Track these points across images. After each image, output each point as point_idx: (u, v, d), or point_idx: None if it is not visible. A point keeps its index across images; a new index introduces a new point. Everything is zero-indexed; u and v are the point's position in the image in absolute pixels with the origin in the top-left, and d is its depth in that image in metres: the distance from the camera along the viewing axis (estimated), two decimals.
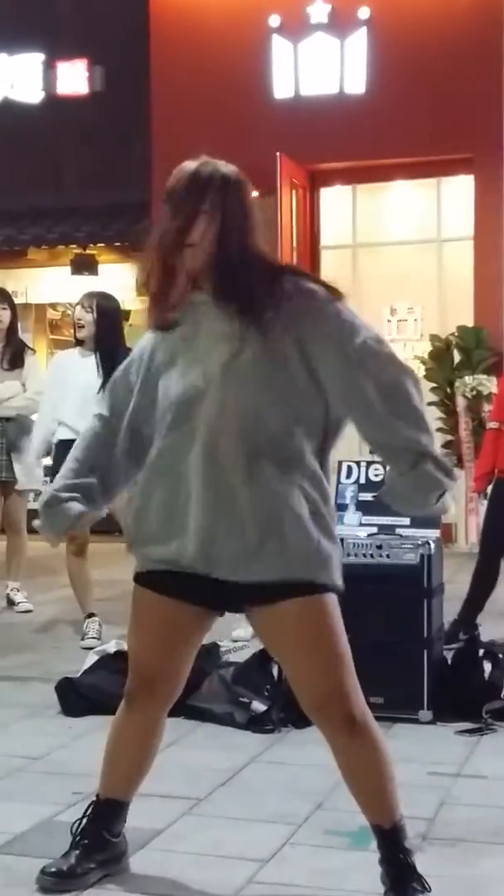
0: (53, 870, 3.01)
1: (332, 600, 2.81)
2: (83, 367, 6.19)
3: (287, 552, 2.73)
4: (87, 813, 3.09)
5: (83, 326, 6.23)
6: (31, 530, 7.45)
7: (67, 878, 2.99)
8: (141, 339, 3.01)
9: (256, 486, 2.73)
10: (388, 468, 2.91)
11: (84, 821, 3.08)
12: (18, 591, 7.31)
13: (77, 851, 3.04)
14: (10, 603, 7.25)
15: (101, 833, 3.06)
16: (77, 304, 6.39)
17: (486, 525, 6.23)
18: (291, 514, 2.73)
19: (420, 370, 10.82)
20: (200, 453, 2.76)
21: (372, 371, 2.74)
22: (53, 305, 13.31)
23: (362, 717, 2.81)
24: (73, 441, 6.23)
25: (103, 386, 6.07)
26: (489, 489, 6.22)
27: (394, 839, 2.86)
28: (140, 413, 2.94)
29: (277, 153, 10.23)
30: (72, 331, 6.64)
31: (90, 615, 6.21)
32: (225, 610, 2.97)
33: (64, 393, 6.20)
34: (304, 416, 2.77)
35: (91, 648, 5.43)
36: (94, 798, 3.10)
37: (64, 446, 6.22)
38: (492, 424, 6.38)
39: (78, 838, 3.07)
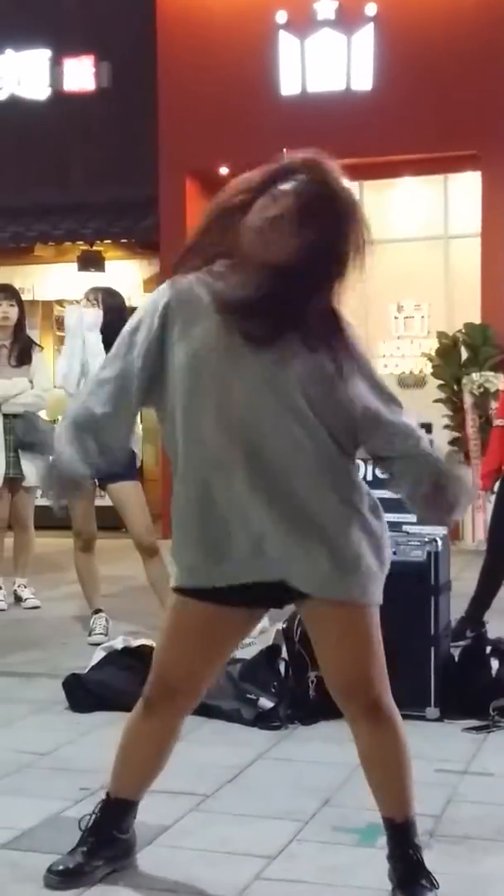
0: (60, 868, 3.01)
1: (376, 611, 2.86)
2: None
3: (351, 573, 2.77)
4: (97, 811, 3.09)
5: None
6: (39, 527, 7.51)
7: (74, 876, 3.00)
8: (155, 298, 2.87)
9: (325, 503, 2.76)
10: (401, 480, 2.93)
11: (93, 819, 3.09)
12: (26, 587, 7.32)
13: (84, 849, 3.05)
14: (18, 599, 7.27)
15: (110, 831, 3.07)
16: (83, 297, 6.39)
17: (494, 523, 6.23)
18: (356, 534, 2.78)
19: (427, 367, 10.83)
20: (255, 473, 2.72)
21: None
22: (60, 302, 13.30)
23: (387, 708, 2.87)
24: None
25: None
26: (496, 486, 6.21)
27: (404, 834, 2.88)
28: (141, 381, 2.84)
29: (284, 150, 10.18)
30: None
31: (97, 611, 6.22)
32: (272, 606, 2.98)
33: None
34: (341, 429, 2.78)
35: (98, 644, 5.43)
36: (105, 796, 3.10)
37: None
38: (498, 422, 6.37)
39: (86, 836, 3.07)
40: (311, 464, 2.73)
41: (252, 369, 2.70)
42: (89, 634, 6.12)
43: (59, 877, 3.00)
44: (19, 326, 7.27)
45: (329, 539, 2.75)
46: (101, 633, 6.04)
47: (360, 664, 2.84)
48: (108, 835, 3.07)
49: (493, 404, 9.12)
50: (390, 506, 4.96)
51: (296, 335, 2.70)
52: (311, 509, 2.74)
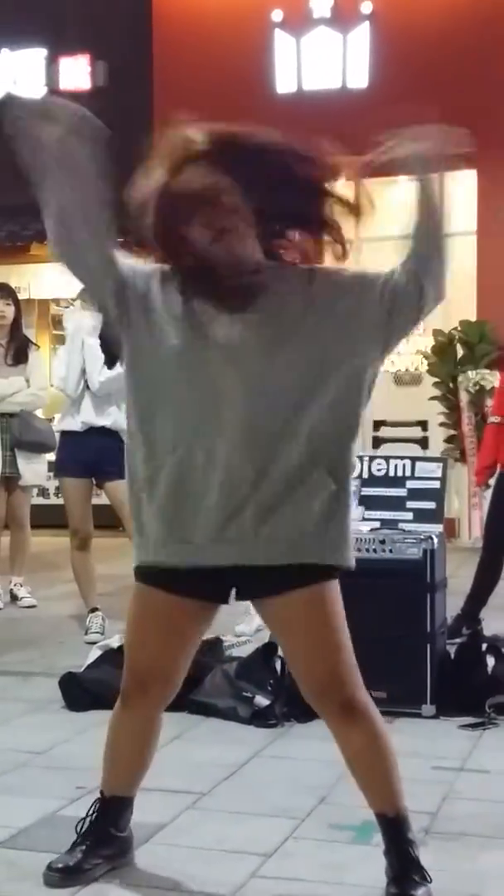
0: (60, 865, 3.02)
1: (336, 589, 2.83)
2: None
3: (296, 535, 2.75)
4: (93, 811, 3.10)
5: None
6: (35, 526, 7.51)
7: (74, 874, 3.00)
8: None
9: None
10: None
11: (89, 818, 3.09)
12: (22, 586, 7.32)
13: (83, 847, 3.05)
14: (14, 598, 7.27)
15: (107, 829, 3.08)
16: (78, 297, 6.37)
17: (490, 520, 6.23)
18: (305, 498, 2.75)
19: (423, 365, 10.83)
20: (229, 440, 2.72)
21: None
22: (56, 301, 13.29)
23: (362, 705, 2.85)
24: (79, 433, 6.26)
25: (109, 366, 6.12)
26: (492, 483, 6.22)
27: (397, 829, 2.88)
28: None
29: None
30: None
31: (93, 610, 6.22)
32: (230, 600, 2.95)
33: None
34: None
35: (94, 643, 5.44)
36: (99, 795, 3.11)
37: (71, 438, 6.24)
38: (493, 419, 6.37)
39: (84, 835, 3.07)
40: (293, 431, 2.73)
41: (234, 339, 2.72)
42: (86, 633, 6.11)
43: (59, 874, 3.00)
44: (16, 325, 7.26)
45: (295, 505, 2.74)
46: (97, 632, 6.04)
47: (330, 660, 2.82)
48: (106, 833, 3.07)
49: (489, 401, 9.14)
50: (387, 504, 5.01)
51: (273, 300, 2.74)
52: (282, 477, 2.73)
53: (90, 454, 6.11)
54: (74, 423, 6.17)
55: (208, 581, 2.83)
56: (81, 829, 3.09)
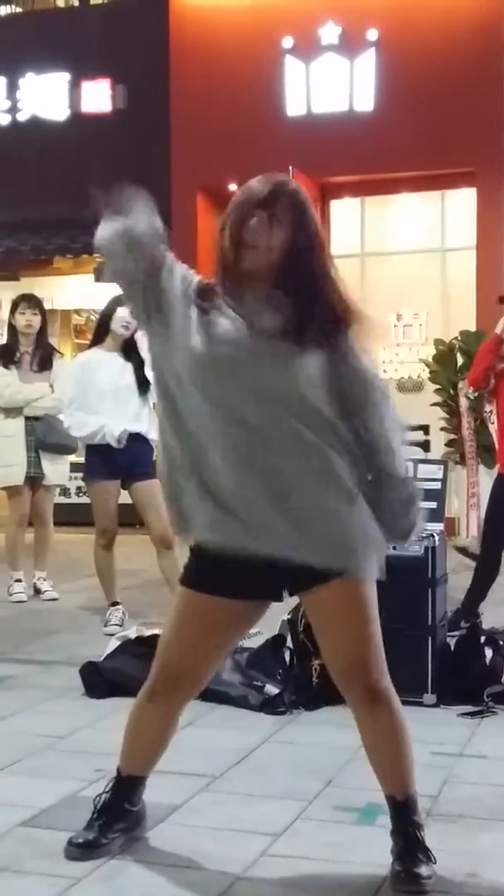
0: (80, 841, 3.04)
1: (372, 589, 2.86)
2: (114, 366, 6.19)
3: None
4: (109, 788, 3.11)
5: (127, 327, 6.15)
6: (57, 523, 7.51)
7: (94, 848, 3.02)
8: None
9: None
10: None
11: (106, 795, 3.10)
12: (45, 580, 7.32)
13: (100, 822, 3.07)
14: (37, 591, 7.26)
15: (122, 805, 3.09)
16: (117, 306, 6.20)
17: (488, 518, 6.21)
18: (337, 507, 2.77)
19: (424, 373, 10.82)
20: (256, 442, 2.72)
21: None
22: (78, 311, 13.32)
23: (386, 691, 2.88)
24: (106, 445, 6.20)
25: (140, 387, 6.11)
26: (493, 483, 6.18)
27: (405, 811, 2.89)
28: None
29: (290, 167, 10.21)
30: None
31: (115, 603, 6.21)
32: (275, 599, 2.95)
33: (98, 394, 6.14)
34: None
35: (113, 634, 5.44)
36: (116, 773, 3.11)
37: (95, 450, 6.21)
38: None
39: (101, 811, 3.09)
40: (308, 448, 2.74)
41: (262, 361, 2.72)
42: (105, 625, 6.11)
43: (80, 849, 3.02)
44: (41, 334, 7.26)
45: (330, 517, 2.75)
46: (116, 625, 6.03)
47: (359, 648, 2.85)
48: (121, 808, 3.09)
49: (488, 407, 9.10)
50: None
51: (299, 331, 2.74)
52: (309, 490, 2.74)
53: (124, 457, 6.10)
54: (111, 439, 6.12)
55: (261, 579, 2.82)
56: (98, 805, 3.10)
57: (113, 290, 13.05)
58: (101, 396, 6.10)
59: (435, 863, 2.85)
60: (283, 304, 2.75)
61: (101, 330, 6.30)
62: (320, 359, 2.75)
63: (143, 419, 6.13)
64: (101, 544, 6.22)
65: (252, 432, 2.72)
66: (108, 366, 6.17)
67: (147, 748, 3.08)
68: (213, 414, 2.73)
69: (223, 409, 2.72)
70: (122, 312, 6.12)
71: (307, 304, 2.75)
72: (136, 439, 6.12)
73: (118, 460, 6.09)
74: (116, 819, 3.08)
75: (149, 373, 6.13)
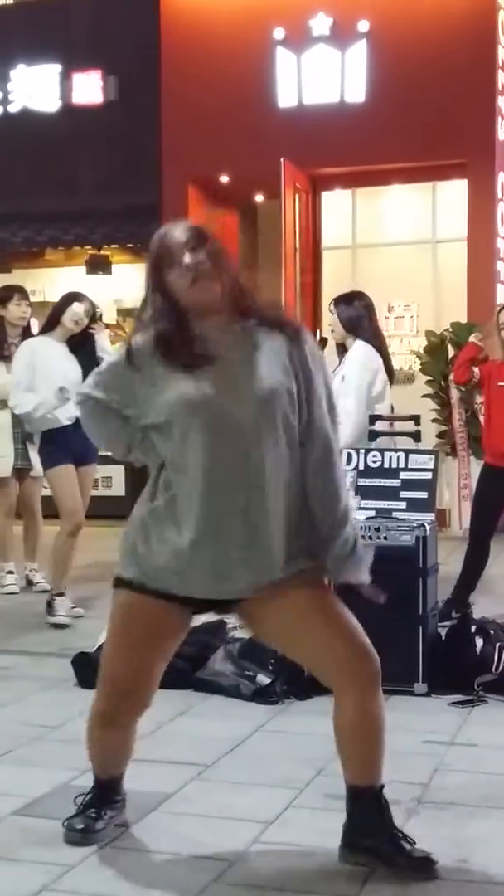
0: (80, 826, 3.08)
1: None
2: (61, 354, 6.27)
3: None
4: (92, 791, 3.15)
5: (77, 323, 6.31)
6: (46, 514, 7.51)
7: (91, 833, 3.07)
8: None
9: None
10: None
11: (90, 796, 3.14)
12: (37, 571, 7.32)
13: (92, 810, 3.11)
14: (30, 583, 7.27)
15: (107, 801, 3.14)
16: (73, 301, 6.36)
17: (475, 509, 6.23)
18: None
19: (416, 364, 10.83)
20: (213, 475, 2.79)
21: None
22: None
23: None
24: (68, 426, 6.28)
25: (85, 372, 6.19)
26: (479, 474, 6.21)
27: (377, 800, 2.91)
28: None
29: (281, 159, 10.19)
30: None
31: (61, 594, 6.23)
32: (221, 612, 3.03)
33: (45, 378, 6.21)
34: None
35: (63, 626, 5.56)
36: (94, 781, 3.14)
37: (50, 439, 6.26)
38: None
39: (89, 805, 3.13)
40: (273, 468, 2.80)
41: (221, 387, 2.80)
42: (52, 615, 6.10)
43: (80, 833, 3.06)
44: (27, 326, 7.28)
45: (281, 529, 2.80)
46: (64, 615, 6.09)
47: (352, 637, 2.86)
48: (107, 801, 3.14)
49: (479, 399, 9.12)
50: (381, 494, 5.01)
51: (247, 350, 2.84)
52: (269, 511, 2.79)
53: (77, 443, 6.17)
54: (63, 418, 6.18)
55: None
56: (85, 800, 3.14)
57: (103, 283, 12.95)
58: (47, 381, 6.17)
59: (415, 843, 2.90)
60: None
61: (52, 319, 6.37)
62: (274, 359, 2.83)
63: None
64: (68, 531, 6.24)
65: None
66: (56, 353, 6.27)
67: (115, 757, 3.12)
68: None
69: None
70: (76, 308, 6.29)
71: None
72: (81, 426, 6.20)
73: (72, 446, 6.15)
74: (105, 808, 3.12)
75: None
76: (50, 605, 6.18)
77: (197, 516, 2.77)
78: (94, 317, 6.44)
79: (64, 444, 6.18)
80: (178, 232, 2.87)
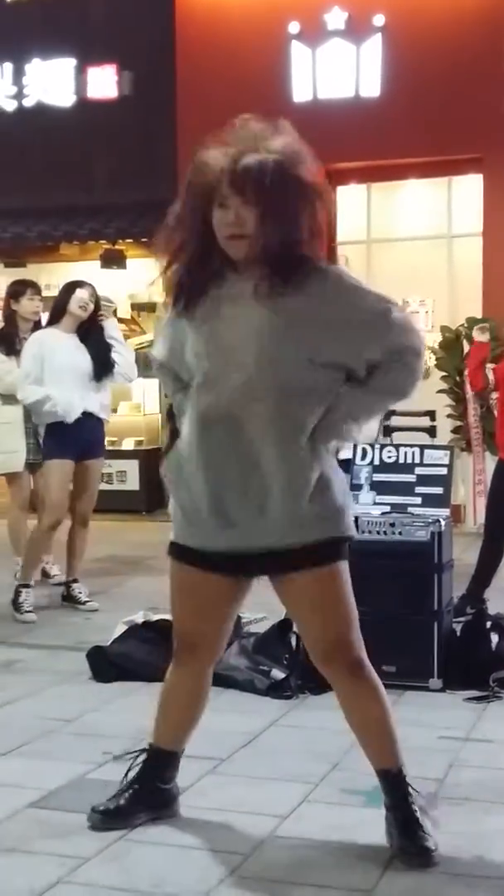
0: (102, 808, 3.09)
1: (344, 565, 2.91)
2: (69, 345, 6.29)
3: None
4: (139, 760, 3.16)
5: (84, 308, 6.35)
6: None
7: (115, 817, 3.08)
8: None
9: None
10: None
11: (135, 767, 3.16)
12: (53, 563, 7.33)
13: (128, 793, 3.13)
14: (46, 575, 7.28)
15: (152, 780, 3.14)
16: (76, 288, 6.42)
17: (490, 505, 6.22)
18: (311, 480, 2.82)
19: (431, 359, 10.80)
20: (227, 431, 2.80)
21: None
22: None
23: (367, 666, 2.95)
24: (64, 425, 6.36)
25: (98, 369, 6.25)
26: (494, 469, 6.19)
27: (401, 783, 2.96)
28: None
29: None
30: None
31: (28, 585, 6.28)
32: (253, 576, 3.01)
33: (53, 371, 6.23)
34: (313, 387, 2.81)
35: (32, 622, 5.77)
36: (147, 746, 3.16)
37: (54, 431, 6.27)
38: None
39: (131, 783, 3.14)
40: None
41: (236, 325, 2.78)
42: (19, 611, 6.12)
43: (101, 815, 3.08)
44: (38, 321, 7.29)
45: (283, 490, 2.80)
46: (29, 611, 6.12)
47: (339, 629, 2.90)
48: (151, 784, 3.14)
49: (494, 395, 9.10)
50: (397, 489, 5.01)
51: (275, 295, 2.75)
52: (266, 467, 2.80)
53: (83, 437, 6.23)
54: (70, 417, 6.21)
55: (230, 560, 2.90)
56: (127, 776, 3.15)
57: (118, 277, 12.98)
58: (56, 374, 6.18)
59: (432, 836, 2.92)
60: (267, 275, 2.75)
61: (57, 310, 6.38)
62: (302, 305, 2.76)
63: (96, 399, 6.30)
64: (48, 524, 6.27)
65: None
66: (65, 345, 6.28)
67: (178, 716, 3.14)
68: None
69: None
70: (81, 293, 6.30)
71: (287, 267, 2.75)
72: (90, 418, 6.28)
73: (77, 440, 6.20)
74: (145, 793, 3.12)
75: (117, 356, 6.40)
76: (16, 598, 6.18)
77: (194, 473, 2.84)
78: (98, 304, 6.46)
79: (68, 439, 6.21)
80: (234, 151, 2.75)
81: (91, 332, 6.33)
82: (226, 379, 2.77)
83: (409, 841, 2.89)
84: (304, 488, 2.80)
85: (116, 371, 6.39)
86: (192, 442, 2.83)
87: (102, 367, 6.28)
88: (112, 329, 6.55)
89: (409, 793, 2.95)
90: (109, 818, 3.08)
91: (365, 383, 2.83)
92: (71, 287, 6.43)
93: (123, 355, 6.45)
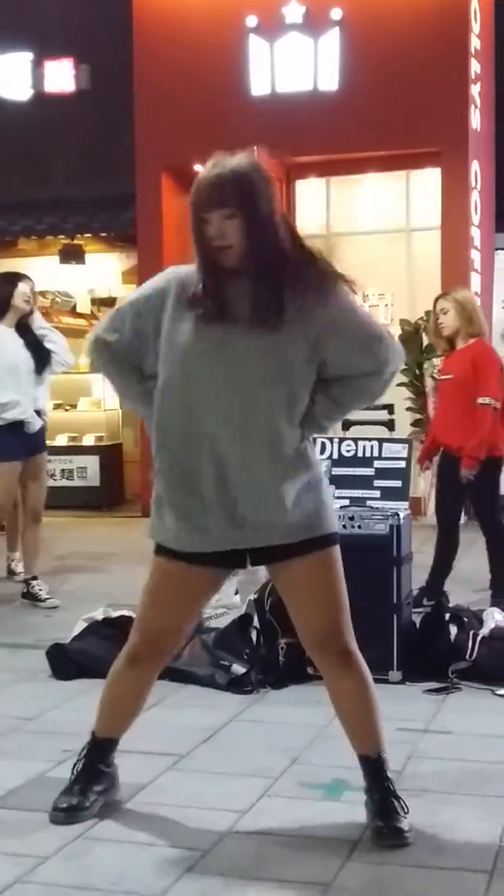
0: (63, 805, 3.14)
1: (336, 553, 3.01)
2: (14, 341, 6.28)
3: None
4: (84, 754, 3.21)
5: (28, 301, 6.39)
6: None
7: (76, 811, 3.13)
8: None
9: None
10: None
11: (82, 760, 3.20)
12: (19, 562, 7.27)
13: (79, 786, 3.17)
14: (11, 573, 7.23)
15: (97, 766, 3.19)
16: (17, 281, 6.41)
17: (438, 501, 6.24)
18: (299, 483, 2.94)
19: None
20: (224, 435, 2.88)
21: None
22: (43, 293, 13.21)
23: (356, 654, 3.05)
24: (19, 424, 6.38)
25: (37, 363, 6.25)
26: (435, 463, 6.23)
27: (380, 769, 3.05)
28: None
29: (254, 147, 10.17)
30: (59, 317, 6.64)
31: (34, 577, 6.35)
32: (247, 565, 3.08)
33: (8, 369, 6.21)
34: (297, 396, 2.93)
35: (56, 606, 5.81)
36: (91, 737, 3.21)
37: (8, 430, 6.23)
38: (483, 400, 6.00)
39: (78, 775, 3.19)
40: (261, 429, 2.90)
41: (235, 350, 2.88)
42: (42, 601, 6.23)
43: (65, 813, 3.12)
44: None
45: (284, 493, 2.90)
46: (50, 596, 6.28)
47: (331, 616, 3.00)
48: (96, 770, 3.20)
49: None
50: (356, 483, 5.02)
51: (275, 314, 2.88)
52: (264, 473, 2.90)
53: (34, 434, 6.27)
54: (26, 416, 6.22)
55: (225, 554, 2.98)
56: (75, 769, 3.20)
57: (76, 272, 12.87)
58: (11, 372, 6.17)
59: (409, 812, 3.01)
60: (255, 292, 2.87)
61: (1, 306, 6.33)
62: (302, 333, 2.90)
63: (41, 394, 6.38)
64: (34, 519, 6.27)
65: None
66: (11, 341, 6.27)
67: (125, 711, 3.20)
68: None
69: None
70: (23, 287, 6.29)
71: (276, 289, 2.88)
72: (37, 414, 6.35)
73: (27, 439, 6.25)
74: (93, 781, 3.18)
75: (51, 344, 6.38)
76: None
77: (168, 474, 2.95)
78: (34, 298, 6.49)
79: (19, 439, 6.18)
80: (210, 179, 2.91)
81: (22, 327, 6.31)
82: (216, 392, 2.87)
83: (383, 822, 2.99)
84: (302, 487, 2.94)
85: (55, 360, 6.39)
86: (188, 441, 2.90)
87: (41, 360, 6.29)
88: (39, 319, 6.55)
89: (387, 777, 3.06)
90: (72, 813, 3.12)
91: (345, 384, 2.99)
92: (11, 280, 6.37)
93: (57, 342, 6.43)
